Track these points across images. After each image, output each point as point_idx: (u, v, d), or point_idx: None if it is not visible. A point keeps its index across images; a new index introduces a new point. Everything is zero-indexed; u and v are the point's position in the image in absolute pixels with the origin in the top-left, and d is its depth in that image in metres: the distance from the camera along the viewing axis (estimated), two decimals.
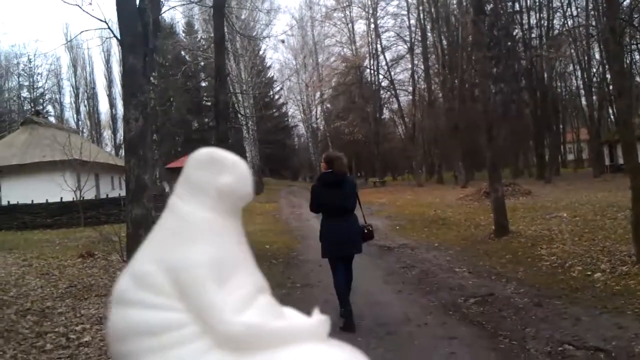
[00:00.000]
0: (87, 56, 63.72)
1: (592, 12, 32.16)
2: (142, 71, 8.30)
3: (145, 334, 1.51)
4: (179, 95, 47.67)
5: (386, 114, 52.22)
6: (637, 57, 38.27)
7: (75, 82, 63.01)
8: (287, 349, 1.48)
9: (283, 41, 40.47)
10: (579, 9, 36.79)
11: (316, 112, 57.85)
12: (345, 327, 5.64)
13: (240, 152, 45.94)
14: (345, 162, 6.19)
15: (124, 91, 8.59)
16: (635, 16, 23.79)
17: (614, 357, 4.41)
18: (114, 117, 63.16)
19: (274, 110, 62.58)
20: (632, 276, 6.83)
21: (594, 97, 37.50)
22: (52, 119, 52.11)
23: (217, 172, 1.66)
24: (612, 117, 36.90)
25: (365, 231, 6.25)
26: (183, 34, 55.89)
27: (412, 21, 42.54)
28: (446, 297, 6.98)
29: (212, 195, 1.63)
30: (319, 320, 1.59)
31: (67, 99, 67.65)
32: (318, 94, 53.75)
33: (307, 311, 1.69)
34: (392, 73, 44.63)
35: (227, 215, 1.65)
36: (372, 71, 47.31)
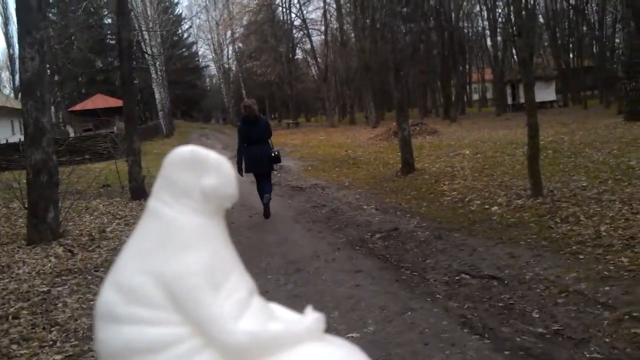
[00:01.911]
0: None
1: None
2: (37, 6, 7.78)
3: (142, 351, 1.43)
4: (81, 33, 44.97)
5: (299, 54, 51.90)
6: None
7: None
8: (289, 352, 1.46)
9: None
10: None
11: (228, 51, 56.60)
12: (265, 215, 8.74)
13: (149, 93, 44.45)
14: (256, 107, 8.92)
15: (18, 29, 8.01)
16: None
17: (507, 284, 4.70)
18: (11, 57, 58.90)
19: (184, 50, 60.65)
20: (526, 209, 7.25)
21: (499, 38, 38.72)
22: None
23: (200, 173, 1.55)
24: (515, 57, 38.25)
25: (273, 155, 8.83)
26: None
27: None
28: (353, 234, 7.18)
29: (197, 197, 1.53)
30: (314, 318, 1.56)
31: None
32: (229, 33, 52.39)
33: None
34: (305, 12, 44.16)
35: (213, 217, 1.57)
36: (284, 9, 46.48)
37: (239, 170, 8.42)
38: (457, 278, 4.99)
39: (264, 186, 8.77)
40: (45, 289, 5.46)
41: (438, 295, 4.62)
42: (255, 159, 8.56)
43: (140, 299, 1.45)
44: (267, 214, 8.74)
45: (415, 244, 6.35)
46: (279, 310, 1.67)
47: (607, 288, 4.30)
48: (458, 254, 5.75)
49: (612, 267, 4.74)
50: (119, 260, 1.55)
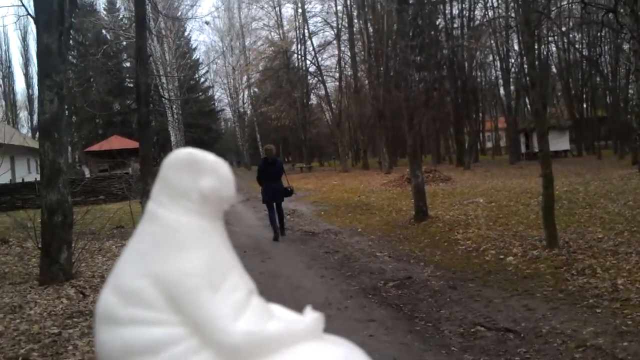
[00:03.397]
0: (2, 33, 60.18)
1: (512, 4, 33.27)
2: (57, 51, 7.95)
3: (141, 352, 1.45)
4: (99, 76, 45.91)
5: (313, 99, 52.40)
6: (554, 48, 40.16)
7: None
8: (288, 351, 1.46)
9: (208, 22, 39.98)
10: (499, 1, 38.08)
11: (243, 96, 57.39)
12: (275, 239, 10.84)
13: (165, 136, 44.96)
14: (274, 150, 11.67)
15: (38, 71, 8.20)
16: (553, 9, 24.83)
17: (523, 337, 4.62)
18: (30, 98, 60.20)
19: (200, 94, 61.46)
20: (542, 260, 7.17)
21: (512, 87, 38.99)
22: None
23: (198, 175, 1.56)
24: (528, 106, 38.43)
25: (288, 190, 11.38)
26: (104, 12, 53.82)
27: (339, 7, 42.65)
28: (366, 281, 7.12)
29: (195, 199, 1.55)
30: (313, 318, 1.57)
31: None
32: (245, 78, 53.20)
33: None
34: (320, 59, 44.69)
35: (211, 219, 1.58)
36: (299, 56, 47.19)
37: (264, 200, 11.26)
38: (472, 330, 4.91)
39: (279, 213, 11.22)
40: (56, 331, 5.42)
41: (453, 348, 4.54)
42: (274, 192, 11.01)
43: (138, 300, 1.47)
44: (282, 231, 11.20)
45: (429, 293, 6.27)
46: (279, 310, 1.69)
47: (625, 343, 4.22)
48: (473, 304, 5.67)
49: (630, 322, 4.65)
50: (119, 263, 1.57)
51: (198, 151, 1.62)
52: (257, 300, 1.59)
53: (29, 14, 8.96)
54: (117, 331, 1.48)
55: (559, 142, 37.36)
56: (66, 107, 9.69)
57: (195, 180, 1.56)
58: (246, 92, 56.61)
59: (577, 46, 38.40)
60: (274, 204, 11.06)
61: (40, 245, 8.04)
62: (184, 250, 1.49)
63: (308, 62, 46.24)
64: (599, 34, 35.64)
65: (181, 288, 1.45)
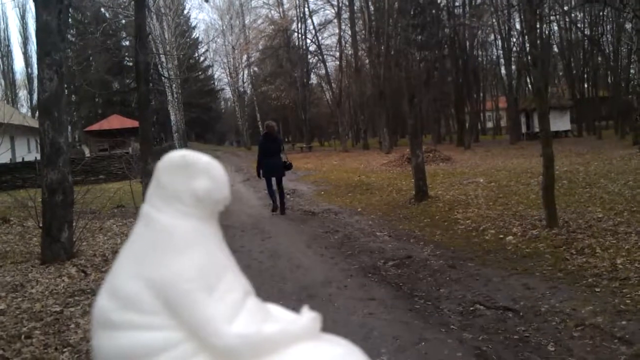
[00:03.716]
0: (1, 12, 59.70)
1: None
2: (56, 29, 7.90)
3: (137, 357, 1.44)
4: (98, 55, 45.66)
5: (314, 79, 52.18)
6: (556, 27, 39.89)
7: None
8: (285, 352, 1.46)
9: (207, 0, 39.40)
10: None
11: (243, 75, 57.07)
12: (273, 210, 11.58)
13: (164, 115, 44.86)
14: (276, 127, 12.12)
15: (38, 50, 8.15)
16: None
17: (522, 315, 4.65)
18: (29, 77, 59.77)
19: (199, 73, 61.27)
20: (541, 239, 7.19)
21: (513, 67, 38.81)
22: None
23: (191, 176, 1.55)
24: (529, 86, 38.27)
25: (286, 164, 11.60)
26: None
27: None
28: (366, 260, 7.14)
29: (189, 201, 1.54)
30: (310, 317, 1.56)
31: None
32: (245, 57, 52.89)
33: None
34: (320, 38, 44.41)
35: (206, 221, 1.57)
36: (299, 35, 46.88)
37: (258, 174, 11.73)
38: (471, 309, 4.94)
39: (280, 190, 11.61)
40: (58, 309, 5.46)
41: (452, 326, 4.57)
42: (272, 167, 11.34)
43: (134, 304, 1.46)
44: (283, 209, 11.52)
45: (429, 272, 6.30)
46: (275, 310, 1.67)
47: (624, 322, 4.24)
48: (472, 283, 5.70)
49: (628, 301, 4.68)
50: (114, 266, 1.56)
51: (191, 153, 1.60)
52: (253, 301, 1.59)
53: None
54: (112, 336, 1.47)
55: (560, 122, 37.26)
56: (65, 85, 9.63)
57: (188, 182, 1.55)
58: (246, 72, 56.36)
59: (579, 25, 38.15)
60: (273, 179, 11.45)
61: (41, 225, 8.07)
62: (179, 254, 1.48)
63: (308, 41, 45.99)
64: (601, 14, 35.41)
65: (176, 292, 1.45)
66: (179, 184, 1.54)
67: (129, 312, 1.46)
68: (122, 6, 32.46)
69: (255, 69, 56.79)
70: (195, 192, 1.54)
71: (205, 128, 65.15)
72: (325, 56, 44.08)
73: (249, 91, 57.86)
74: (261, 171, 11.48)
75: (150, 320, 1.45)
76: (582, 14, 38.21)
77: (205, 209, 1.57)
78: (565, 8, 32.45)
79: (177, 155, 1.59)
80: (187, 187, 1.54)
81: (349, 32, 42.80)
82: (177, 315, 1.45)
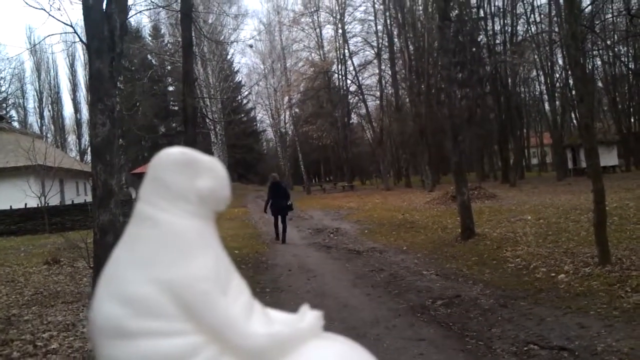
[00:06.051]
0: (51, 60, 62.32)
1: (555, 19, 32.85)
2: (108, 76, 8.20)
3: None
4: (146, 100, 47.17)
5: (354, 118, 52.57)
6: (599, 62, 39.41)
7: (39, 86, 61.83)
8: (298, 351, 1.44)
9: (251, 46, 40.57)
10: (542, 16, 37.68)
11: (285, 116, 57.76)
12: (276, 239, 14.46)
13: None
14: (277, 178, 15.74)
15: (90, 96, 8.49)
16: (597, 22, 24.41)
17: (577, 355, 4.53)
18: (78, 122, 62.24)
19: (242, 115, 62.38)
20: (594, 277, 7.00)
21: (557, 102, 38.30)
22: (15, 124, 51.20)
23: (194, 175, 1.50)
24: (574, 121, 37.68)
25: (288, 204, 14.48)
26: (149, 38, 55.37)
27: (379, 27, 42.85)
28: (414, 299, 7.06)
29: (193, 200, 1.48)
30: (314, 316, 1.54)
31: (31, 104, 66.74)
32: (286, 99, 53.62)
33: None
34: (360, 78, 44.83)
35: (208, 220, 1.52)
36: (340, 76, 47.52)
37: (265, 210, 15.11)
38: (525, 348, 4.82)
39: (284, 224, 14.48)
40: None
41: None
42: (278, 206, 14.39)
43: (149, 310, 1.38)
44: (284, 240, 14.21)
45: (480, 312, 6.19)
46: (274, 314, 1.62)
47: None
48: (525, 323, 5.57)
49: None
50: (112, 271, 1.46)
51: (191, 150, 1.56)
52: (256, 303, 1.56)
53: (81, 40, 9.31)
54: (129, 345, 1.37)
55: (607, 157, 36.40)
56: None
57: (192, 181, 1.50)
58: (287, 113, 57.03)
59: (622, 59, 37.59)
60: (279, 216, 14.51)
61: (92, 265, 8.26)
62: (190, 255, 1.43)
63: (349, 81, 46.56)
64: None
65: (193, 294, 1.39)
66: (183, 183, 1.49)
67: (144, 318, 1.37)
68: (169, 53, 33.66)
69: (297, 110, 57.47)
70: (199, 190, 1.50)
71: (247, 169, 65.98)
72: (365, 96, 44.46)
73: (290, 132, 58.48)
74: (269, 210, 14.63)
75: (169, 326, 1.37)
76: (625, 48, 37.73)
77: (207, 208, 1.52)
78: (609, 42, 32.09)
79: (178, 153, 1.54)
80: (191, 185, 1.49)
81: (389, 72, 43.18)
82: (197, 318, 1.39)
